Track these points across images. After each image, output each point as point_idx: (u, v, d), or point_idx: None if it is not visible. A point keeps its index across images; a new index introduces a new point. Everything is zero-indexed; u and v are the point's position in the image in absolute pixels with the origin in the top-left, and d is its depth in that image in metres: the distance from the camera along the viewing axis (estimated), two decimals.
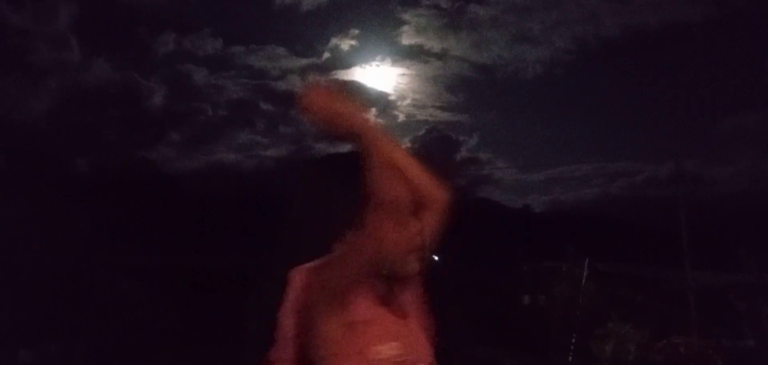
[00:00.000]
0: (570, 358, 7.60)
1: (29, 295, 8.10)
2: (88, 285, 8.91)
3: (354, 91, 1.18)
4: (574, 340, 7.70)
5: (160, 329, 8.71)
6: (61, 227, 8.97)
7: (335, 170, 1.22)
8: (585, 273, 8.48)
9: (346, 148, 1.25)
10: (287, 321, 1.11)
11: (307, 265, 1.13)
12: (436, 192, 1.20)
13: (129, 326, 8.60)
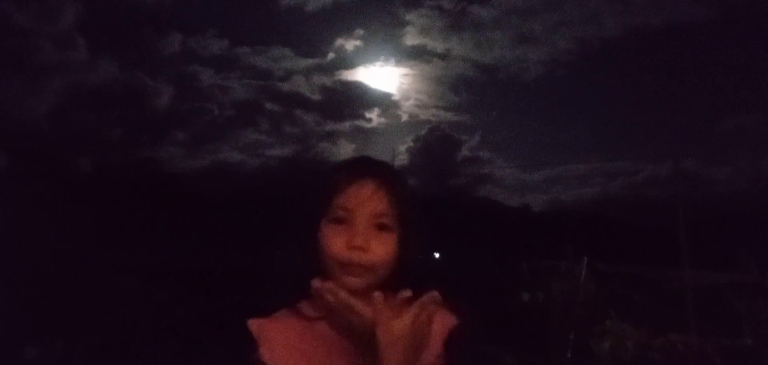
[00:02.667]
0: (569, 356, 7.68)
1: (34, 293, 8.19)
2: (93, 283, 8.99)
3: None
4: (572, 338, 7.77)
5: (164, 328, 8.79)
6: (66, 225, 9.05)
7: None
8: (584, 272, 8.56)
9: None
10: None
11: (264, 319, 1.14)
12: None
13: (133, 324, 8.68)
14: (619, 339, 7.29)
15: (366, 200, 1.11)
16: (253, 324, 1.14)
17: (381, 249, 1.11)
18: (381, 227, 1.12)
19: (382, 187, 1.13)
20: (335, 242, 1.10)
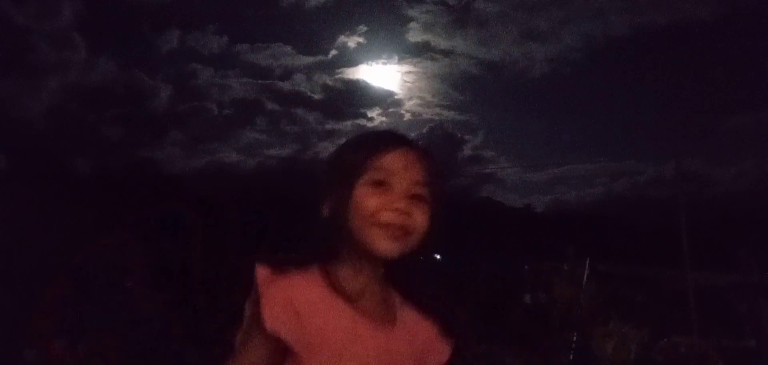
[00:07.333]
0: (571, 357, 7.65)
1: (33, 294, 8.17)
2: (92, 284, 8.96)
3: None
4: (574, 339, 7.74)
5: (164, 328, 8.75)
6: (65, 226, 9.03)
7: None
8: (586, 273, 8.53)
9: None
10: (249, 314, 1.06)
11: (273, 263, 1.07)
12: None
13: (133, 325, 8.65)
14: (621, 340, 7.25)
15: (409, 166, 1.08)
16: (262, 273, 1.05)
17: (420, 216, 1.08)
18: (417, 198, 1.08)
19: (423, 157, 1.12)
20: (373, 202, 1.05)
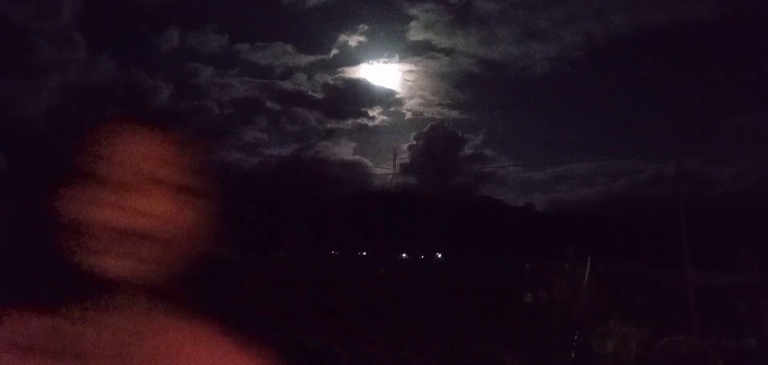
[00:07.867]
0: (572, 356, 7.65)
1: (33, 294, 8.16)
2: (92, 284, 8.97)
3: None
4: (575, 338, 7.74)
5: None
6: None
7: None
8: (586, 272, 8.54)
9: None
10: None
11: None
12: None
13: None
14: (621, 339, 7.26)
15: (138, 144, 0.72)
16: None
17: (167, 211, 0.70)
18: (153, 182, 0.71)
19: (158, 130, 0.75)
20: (91, 205, 0.68)
